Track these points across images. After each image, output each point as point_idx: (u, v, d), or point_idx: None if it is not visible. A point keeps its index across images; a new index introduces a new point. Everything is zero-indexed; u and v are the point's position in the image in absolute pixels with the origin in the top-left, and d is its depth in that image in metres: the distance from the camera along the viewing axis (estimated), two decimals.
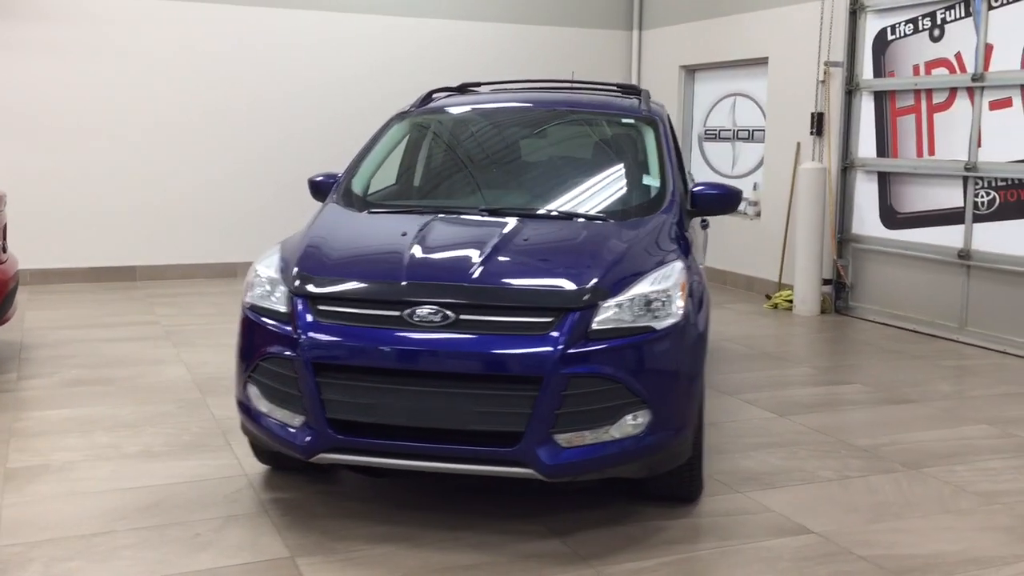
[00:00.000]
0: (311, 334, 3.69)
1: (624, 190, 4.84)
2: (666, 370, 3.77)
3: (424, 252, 3.97)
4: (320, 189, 5.05)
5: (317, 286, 3.82)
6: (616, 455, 3.69)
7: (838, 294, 9.00)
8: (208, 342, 7.25)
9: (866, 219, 8.79)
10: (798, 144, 9.36)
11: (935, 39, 8.08)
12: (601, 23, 11.59)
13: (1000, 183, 7.57)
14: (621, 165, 4.99)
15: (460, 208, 4.59)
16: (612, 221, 4.40)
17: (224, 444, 4.95)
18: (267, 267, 4.10)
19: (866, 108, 8.75)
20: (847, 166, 8.92)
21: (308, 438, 3.72)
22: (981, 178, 7.70)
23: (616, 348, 3.64)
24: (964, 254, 7.83)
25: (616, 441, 3.68)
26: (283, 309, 3.84)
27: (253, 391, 3.93)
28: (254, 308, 3.98)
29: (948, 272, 8.01)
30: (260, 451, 4.36)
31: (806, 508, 4.26)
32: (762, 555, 3.78)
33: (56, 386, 5.97)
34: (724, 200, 4.75)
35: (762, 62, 9.94)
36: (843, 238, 8.97)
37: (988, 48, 7.59)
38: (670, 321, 3.79)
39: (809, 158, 9.18)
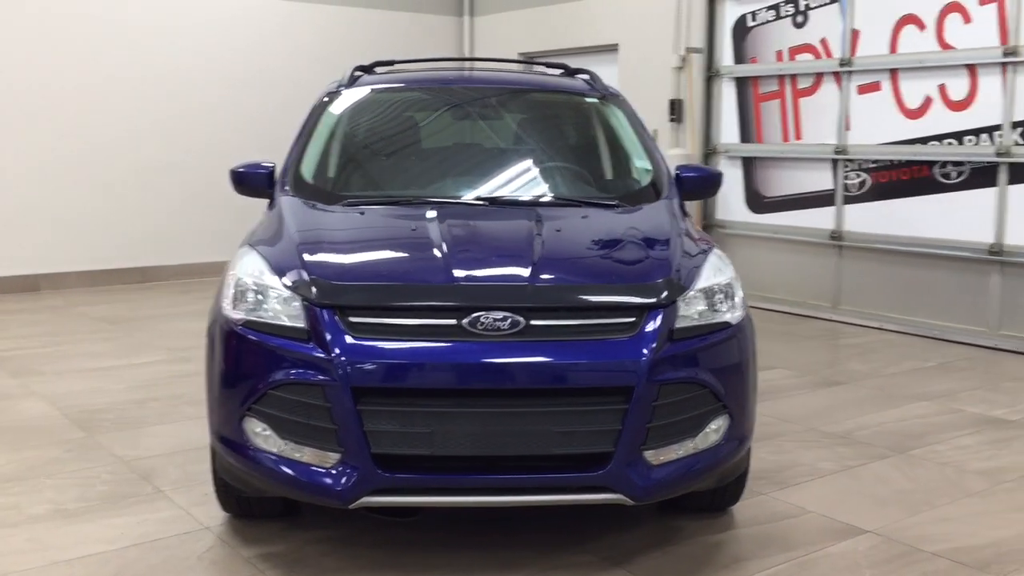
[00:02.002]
0: (348, 353, 3.00)
1: (618, 174, 4.41)
2: (742, 369, 3.38)
3: (462, 248, 3.36)
4: (245, 182, 4.25)
5: (346, 294, 3.12)
6: (701, 469, 3.26)
7: None
8: (56, 368, 6.14)
9: (731, 205, 8.83)
10: (655, 131, 9.27)
11: (799, 25, 8.19)
12: (433, 8, 11.06)
13: (871, 165, 7.77)
14: (603, 147, 4.55)
15: (451, 198, 3.98)
16: (626, 208, 3.96)
17: (155, 492, 4.07)
18: (252, 274, 3.33)
19: (727, 94, 8.79)
20: (710, 152, 8.93)
21: (347, 480, 3.03)
22: (851, 160, 7.88)
23: (701, 349, 3.22)
24: (836, 235, 8.00)
25: (700, 453, 3.25)
26: (299, 324, 3.11)
27: (256, 428, 3.17)
28: (251, 325, 3.21)
29: (819, 253, 8.17)
30: (229, 498, 3.58)
31: (838, 504, 4.01)
32: (839, 564, 3.48)
33: None
34: (708, 183, 4.42)
35: (611, 49, 9.78)
36: (708, 223, 8.97)
37: (855, 33, 7.76)
38: (739, 314, 3.41)
39: (668, 145, 9.12)
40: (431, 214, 3.66)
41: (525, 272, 3.20)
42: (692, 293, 3.29)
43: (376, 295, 3.12)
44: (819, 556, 3.53)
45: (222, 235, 9.02)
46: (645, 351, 3.07)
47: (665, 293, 3.21)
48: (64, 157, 9.01)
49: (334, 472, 3.05)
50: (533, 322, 3.07)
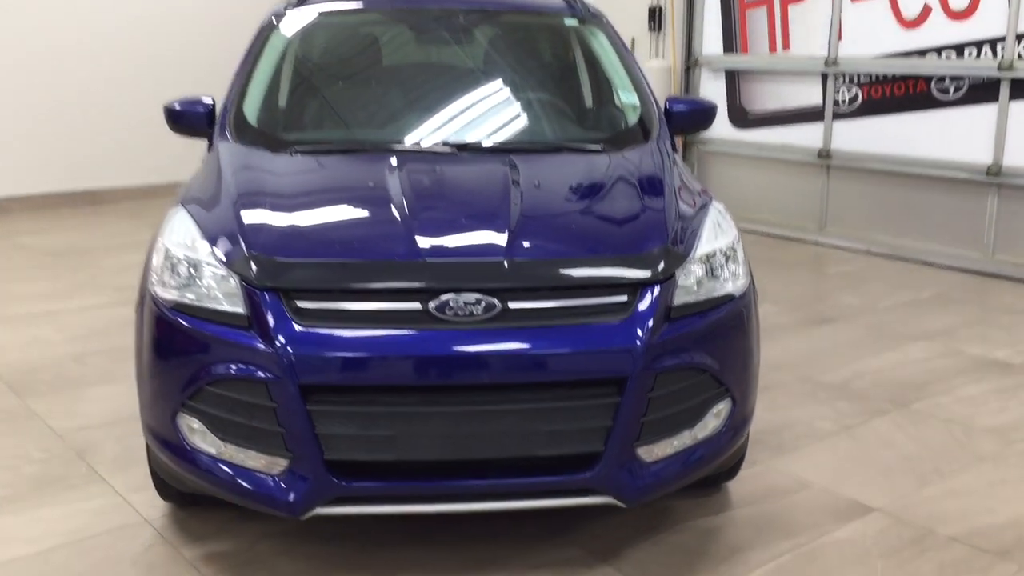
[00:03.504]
0: (294, 345, 2.56)
1: (602, 111, 3.92)
2: (747, 346, 2.99)
3: (426, 212, 2.90)
4: (181, 120, 3.73)
5: (291, 274, 2.67)
6: (699, 461, 2.89)
7: None
8: None
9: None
10: (632, 40, 8.70)
11: None
12: None
13: (863, 79, 7.29)
14: (585, 79, 4.05)
15: (415, 144, 3.50)
16: (611, 153, 3.49)
17: (89, 473, 3.66)
18: (182, 243, 2.87)
19: (711, 2, 8.20)
20: (691, 64, 8.40)
21: (297, 489, 2.63)
22: (843, 74, 7.40)
23: (703, 328, 2.81)
24: (824, 154, 7.57)
25: (699, 444, 2.88)
26: (236, 309, 2.66)
27: (191, 426, 2.75)
28: (180, 307, 2.76)
29: (806, 173, 7.75)
30: (167, 485, 3.17)
31: (840, 475, 3.69)
32: (848, 553, 3.16)
33: None
34: (701, 117, 3.97)
35: None
36: (688, 141, 8.49)
37: None
38: (742, 282, 3.00)
39: (647, 56, 8.57)
40: (392, 166, 3.18)
41: (501, 243, 2.75)
42: (694, 262, 2.86)
43: (327, 275, 2.67)
44: (825, 543, 3.21)
45: (178, 155, 8.34)
46: (640, 335, 2.66)
47: (662, 265, 2.78)
48: (3, 73, 8.32)
49: (282, 480, 2.65)
50: (511, 305, 2.64)
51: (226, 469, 2.72)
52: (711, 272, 2.91)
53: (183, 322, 2.73)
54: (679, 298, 2.78)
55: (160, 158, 8.91)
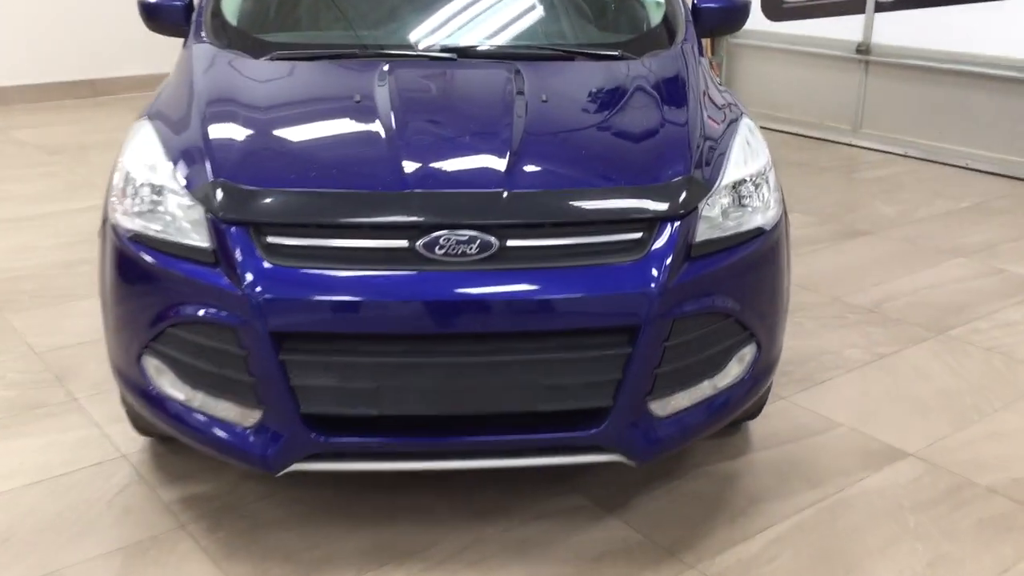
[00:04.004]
0: (265, 287, 2.27)
1: (620, 9, 3.51)
2: (776, 285, 2.68)
3: (416, 133, 2.56)
4: (158, 16, 3.37)
5: (262, 205, 2.36)
6: (719, 412, 2.62)
7: None
8: None
9: None
10: None
11: None
12: None
13: None
14: None
15: (408, 48, 3.13)
16: (629, 60, 3.11)
17: (67, 399, 3.45)
18: (145, 164, 2.56)
19: None
20: None
21: (272, 444, 2.39)
22: None
23: (728, 267, 2.49)
24: (863, 48, 7.07)
25: (719, 393, 2.60)
26: (202, 243, 2.37)
27: (156, 367, 2.50)
28: (140, 239, 2.47)
29: (843, 69, 7.26)
30: (144, 425, 2.94)
31: (870, 413, 3.42)
32: (877, 506, 2.90)
33: None
34: (733, 16, 3.55)
35: None
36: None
37: None
38: (773, 213, 2.67)
39: None
40: (381, 75, 2.83)
41: (500, 170, 2.42)
42: (719, 192, 2.53)
43: (300, 207, 2.35)
44: (852, 494, 2.96)
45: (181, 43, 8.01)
46: (655, 278, 2.35)
47: (683, 196, 2.45)
48: None
49: (256, 433, 2.40)
50: (509, 243, 2.33)
51: (196, 417, 2.47)
52: (738, 202, 2.58)
53: (144, 255, 2.45)
54: (701, 234, 2.46)
55: (163, 44, 8.44)
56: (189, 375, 2.44)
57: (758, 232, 2.58)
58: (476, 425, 2.40)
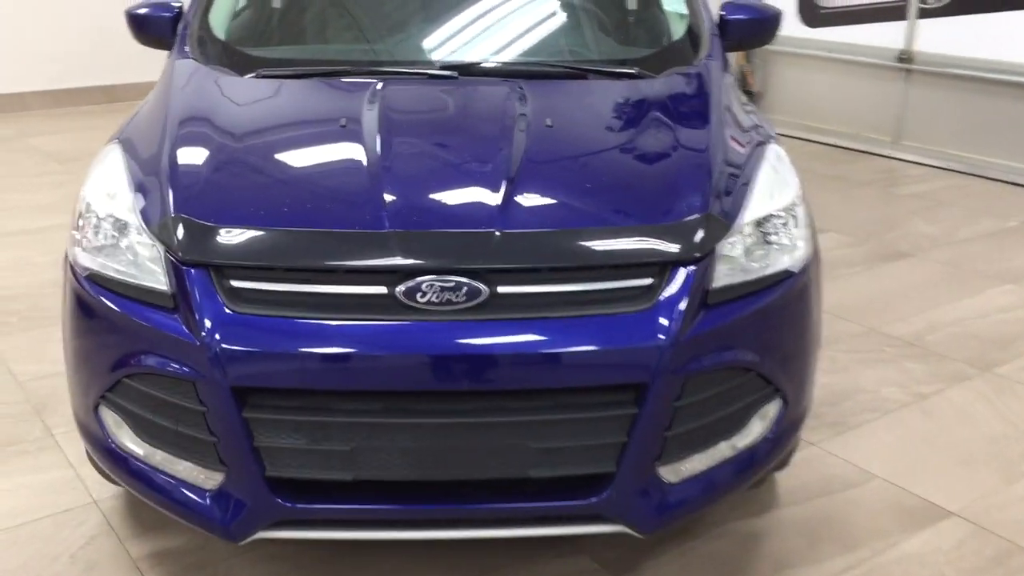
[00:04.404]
0: (226, 336, 2.03)
1: (640, 20, 3.24)
2: (805, 333, 2.40)
3: (403, 165, 2.31)
4: (148, 29, 3.15)
5: (223, 244, 2.11)
6: (739, 474, 2.34)
7: None
8: None
9: None
10: None
11: None
12: None
13: None
14: None
15: (404, 63, 2.88)
16: (648, 78, 2.84)
17: (44, 435, 3.23)
18: (106, 194, 2.33)
19: None
20: None
21: (234, 511, 2.14)
22: None
23: (750, 316, 2.21)
24: (905, 56, 6.73)
25: (739, 455, 2.32)
26: (159, 286, 2.13)
27: (113, 420, 2.27)
28: (96, 278, 2.24)
29: (883, 78, 6.92)
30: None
31: (909, 464, 3.12)
32: (915, 573, 2.61)
33: None
34: (763, 28, 3.26)
35: None
36: None
37: None
38: (802, 253, 2.38)
39: None
40: (370, 97, 2.57)
41: (492, 205, 2.16)
42: (740, 231, 2.25)
43: (266, 248, 2.10)
44: (889, 559, 2.67)
45: None
46: (665, 330, 2.08)
47: (699, 236, 2.17)
48: None
49: (217, 497, 2.16)
50: (500, 289, 2.06)
51: (155, 477, 2.23)
52: (764, 240, 2.30)
53: (101, 296, 2.22)
54: (720, 278, 2.19)
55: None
56: (147, 430, 2.21)
57: (785, 275, 2.30)
58: (461, 491, 2.14)
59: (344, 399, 2.06)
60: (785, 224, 2.37)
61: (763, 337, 2.25)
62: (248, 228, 2.12)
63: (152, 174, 2.32)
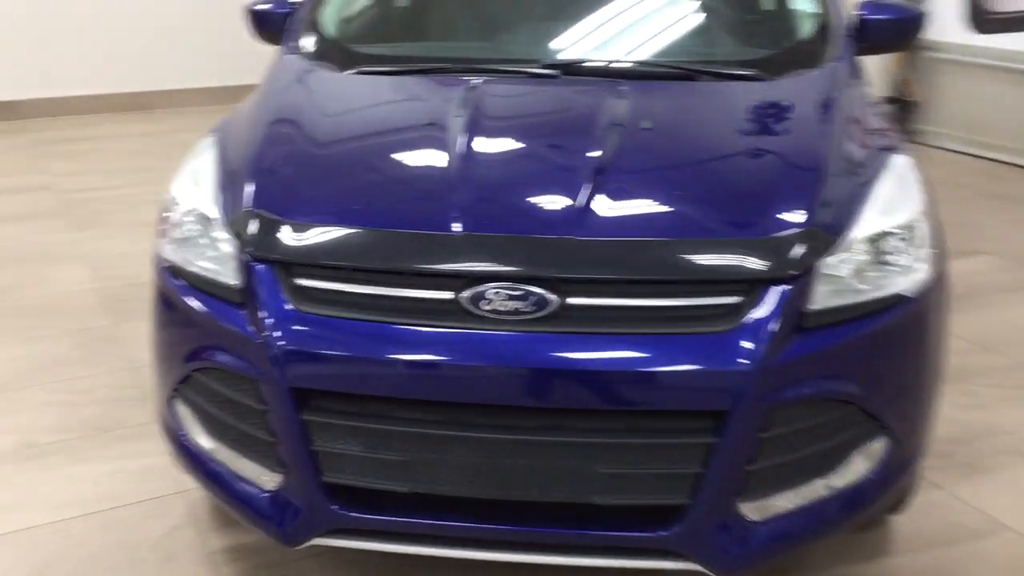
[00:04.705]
0: (287, 335, 1.97)
1: (765, 17, 3.02)
2: (921, 365, 2.16)
3: (485, 166, 2.20)
4: (268, 25, 3.15)
5: (291, 242, 2.06)
6: (835, 517, 2.13)
7: (904, 116, 7.31)
8: (122, 218, 5.42)
9: (945, 20, 7.00)
10: None
11: None
12: None
13: None
14: None
15: (506, 61, 2.77)
16: (765, 79, 2.64)
17: (146, 420, 3.27)
18: (194, 190, 2.32)
19: None
20: None
21: (291, 514, 2.09)
22: None
23: (854, 343, 2.00)
24: None
25: (836, 495, 2.10)
26: (231, 281, 2.10)
27: (184, 413, 2.25)
28: (175, 270, 2.23)
29: None
30: None
31: None
32: None
33: None
34: (904, 30, 2.99)
35: None
36: (913, 45, 7.20)
37: None
38: (922, 276, 2.14)
39: None
40: (465, 94, 2.48)
41: (571, 211, 2.03)
42: (847, 249, 2.04)
43: (331, 246, 2.04)
44: None
45: None
46: (751, 354, 1.89)
47: (796, 253, 1.97)
48: None
49: (275, 499, 2.11)
50: (571, 301, 1.93)
51: (221, 473, 2.21)
52: (879, 261, 2.08)
53: (176, 288, 2.20)
54: (821, 299, 1.98)
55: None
56: (213, 425, 2.18)
57: (897, 300, 2.07)
58: (523, 513, 2.01)
59: (402, 407, 1.97)
60: (904, 243, 2.13)
61: (868, 367, 2.03)
62: (316, 225, 2.06)
63: (237, 168, 2.30)
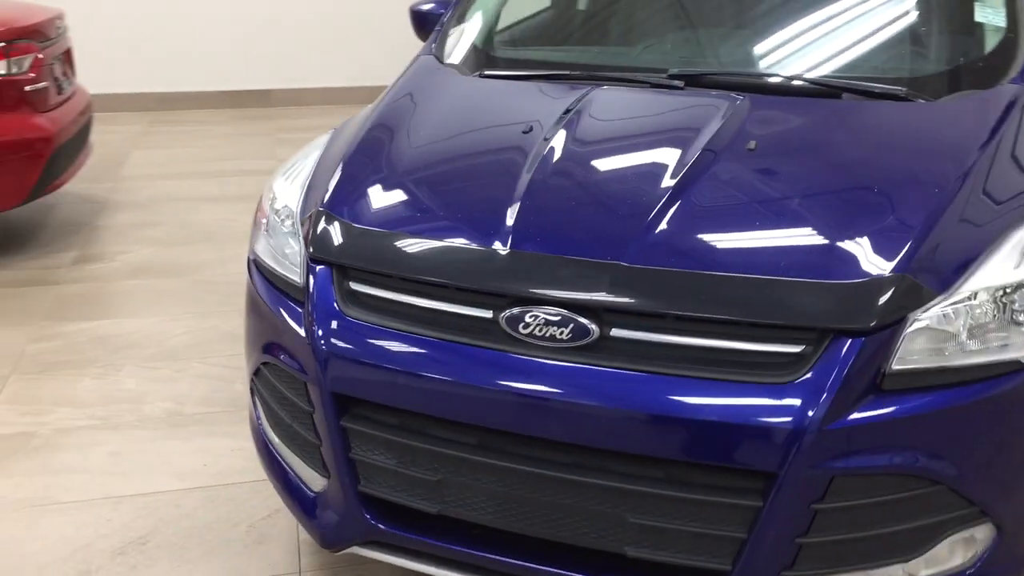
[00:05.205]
0: (333, 339, 1.95)
1: (934, 32, 2.69)
2: None
3: (556, 183, 2.09)
4: (427, 26, 3.17)
5: (347, 245, 2.04)
6: None
7: None
8: None
9: None
10: None
11: None
12: None
13: None
14: None
15: (633, 70, 2.62)
16: (918, 101, 2.33)
17: None
18: (290, 181, 2.36)
19: None
20: None
21: (330, 518, 2.07)
22: None
23: (945, 412, 1.72)
24: None
25: None
26: (296, 279, 2.11)
27: (258, 403, 2.30)
28: (259, 263, 2.28)
29: None
30: None
31: None
32: None
33: (113, 276, 4.58)
34: None
35: None
36: None
37: None
38: None
39: None
40: (573, 103, 2.36)
41: (627, 235, 1.87)
42: (952, 302, 1.76)
43: (380, 252, 1.99)
44: None
45: None
46: (805, 413, 1.67)
47: (876, 302, 1.72)
48: None
49: (319, 501, 2.10)
50: (614, 333, 1.78)
51: (283, 466, 2.23)
52: (1010, 319, 1.77)
53: (256, 280, 2.24)
54: (911, 357, 1.72)
55: None
56: (272, 420, 2.21)
57: (1013, 367, 1.76)
58: (556, 554, 1.88)
59: (434, 425, 1.90)
60: None
61: (964, 442, 1.74)
62: (374, 230, 2.03)
63: (329, 167, 2.31)
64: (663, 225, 1.89)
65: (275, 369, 2.14)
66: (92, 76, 7.10)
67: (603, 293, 1.79)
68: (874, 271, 1.76)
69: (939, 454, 1.73)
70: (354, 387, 1.94)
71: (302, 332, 2.01)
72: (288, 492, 2.21)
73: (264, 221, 2.32)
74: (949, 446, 1.74)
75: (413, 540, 1.98)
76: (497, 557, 1.92)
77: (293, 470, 2.18)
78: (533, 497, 1.84)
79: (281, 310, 2.10)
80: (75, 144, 5.06)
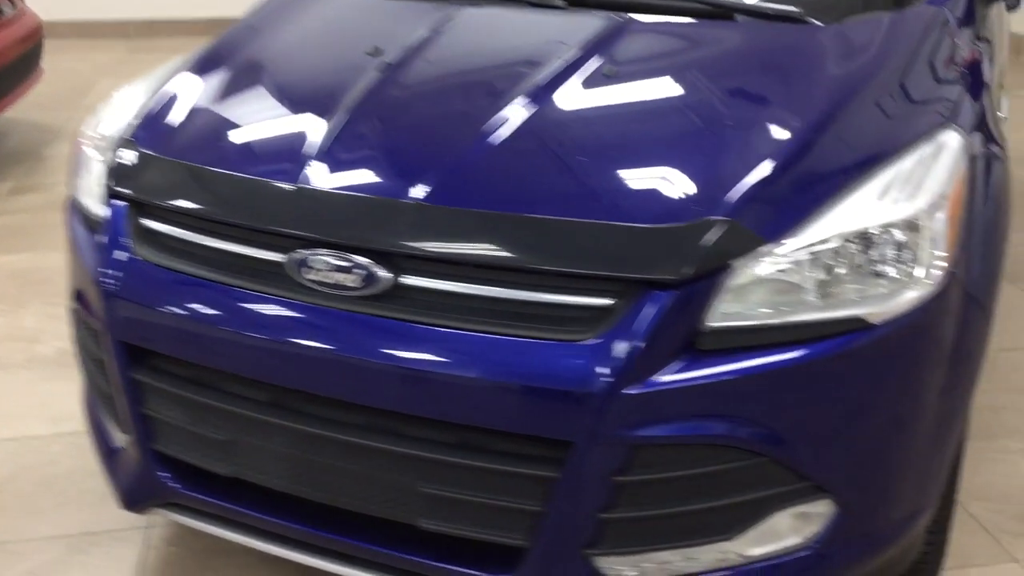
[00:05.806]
0: (118, 283, 1.77)
1: None
2: (890, 414, 1.62)
3: (373, 113, 1.85)
4: None
5: (142, 178, 1.85)
6: None
7: None
8: None
9: None
10: None
11: None
12: None
13: None
14: None
15: None
16: (817, 25, 2.07)
17: None
18: (118, 113, 2.15)
19: None
20: None
21: (130, 476, 1.91)
22: None
23: (766, 376, 1.51)
24: None
25: (750, 564, 1.63)
26: (97, 212, 1.92)
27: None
28: (72, 197, 2.09)
29: None
30: None
31: None
32: None
33: (45, 208, 4.44)
34: None
35: None
36: None
37: None
38: (913, 295, 1.58)
39: None
40: (436, 19, 2.13)
41: (434, 171, 1.66)
42: (791, 247, 1.54)
43: (175, 186, 1.79)
44: None
45: None
46: (601, 376, 1.47)
47: (689, 249, 1.50)
48: None
49: (120, 458, 1.94)
50: (405, 280, 1.58)
51: (95, 422, 2.07)
52: (870, 270, 1.56)
53: (69, 217, 2.06)
54: (731, 314, 1.50)
55: None
56: (85, 370, 2.04)
57: (855, 324, 1.54)
58: (356, 524, 1.71)
59: (224, 380, 1.72)
60: (901, 247, 1.59)
61: (791, 410, 1.53)
62: (170, 160, 1.83)
63: (156, 93, 2.10)
64: (477, 160, 1.67)
65: (78, 315, 1.97)
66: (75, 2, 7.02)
67: (394, 234, 1.58)
68: (691, 214, 1.53)
69: (761, 423, 1.51)
70: (142, 335, 1.76)
71: (93, 272, 1.82)
72: (96, 446, 2.05)
73: (88, 152, 2.12)
74: (773, 414, 1.52)
75: (211, 504, 1.81)
76: (294, 525, 1.75)
77: (102, 423, 2.02)
78: (321, 461, 1.66)
79: (82, 245, 1.92)
80: (13, 70, 4.88)
